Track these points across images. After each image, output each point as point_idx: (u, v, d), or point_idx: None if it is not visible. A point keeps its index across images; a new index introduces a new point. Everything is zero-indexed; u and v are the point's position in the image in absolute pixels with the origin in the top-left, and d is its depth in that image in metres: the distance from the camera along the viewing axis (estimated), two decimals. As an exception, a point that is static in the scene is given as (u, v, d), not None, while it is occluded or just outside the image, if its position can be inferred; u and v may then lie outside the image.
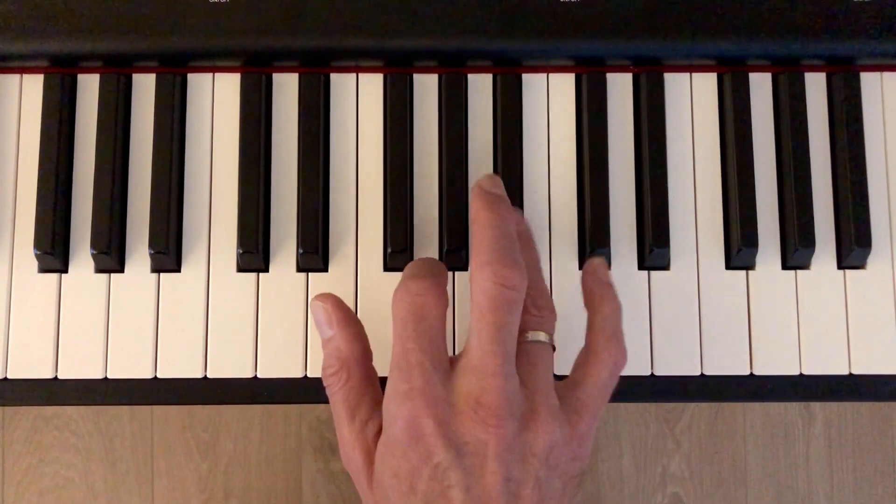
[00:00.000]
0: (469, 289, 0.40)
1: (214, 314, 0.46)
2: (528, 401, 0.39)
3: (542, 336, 0.41)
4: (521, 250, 0.41)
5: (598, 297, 0.42)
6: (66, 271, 0.46)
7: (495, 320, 0.39)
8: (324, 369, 0.42)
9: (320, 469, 0.72)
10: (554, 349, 0.42)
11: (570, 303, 0.45)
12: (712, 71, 0.48)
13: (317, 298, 0.43)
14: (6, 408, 0.70)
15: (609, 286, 0.43)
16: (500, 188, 0.43)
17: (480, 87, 0.48)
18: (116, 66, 0.47)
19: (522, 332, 0.41)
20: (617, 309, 0.42)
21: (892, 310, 0.46)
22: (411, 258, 0.46)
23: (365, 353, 0.42)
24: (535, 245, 0.44)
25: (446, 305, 0.40)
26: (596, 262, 0.44)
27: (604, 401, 0.41)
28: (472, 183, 0.47)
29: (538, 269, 0.43)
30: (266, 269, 0.46)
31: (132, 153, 0.47)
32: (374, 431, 0.41)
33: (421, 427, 0.38)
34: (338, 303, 0.43)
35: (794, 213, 0.46)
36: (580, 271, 0.46)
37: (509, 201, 0.42)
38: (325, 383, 0.42)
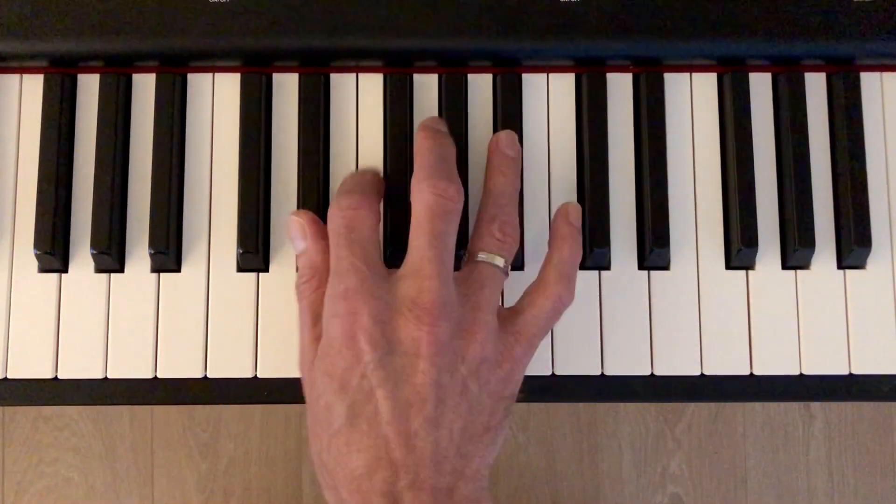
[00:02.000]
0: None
1: (214, 314, 0.46)
2: (467, 314, 0.40)
3: (497, 260, 0.42)
4: (498, 172, 0.43)
5: (562, 237, 0.44)
6: (66, 271, 0.46)
7: (431, 228, 0.40)
8: (297, 279, 0.44)
9: (320, 469, 0.72)
10: (507, 275, 0.43)
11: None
12: (712, 71, 0.48)
13: (293, 213, 0.44)
14: (6, 408, 0.70)
15: (576, 230, 0.44)
16: (442, 125, 0.45)
17: (480, 87, 0.48)
18: (116, 66, 0.47)
19: (480, 251, 0.42)
20: (576, 252, 0.44)
21: (892, 310, 0.46)
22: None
23: None
24: (516, 174, 0.45)
25: (377, 217, 0.43)
26: (571, 206, 0.45)
27: (542, 331, 0.42)
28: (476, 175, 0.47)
29: (512, 197, 0.44)
30: (266, 269, 0.46)
31: (132, 153, 0.47)
32: None
33: (357, 322, 0.39)
34: (312, 217, 0.44)
35: (794, 213, 0.46)
36: (580, 271, 0.46)
37: (450, 135, 0.44)
38: (296, 290, 0.44)
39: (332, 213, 0.42)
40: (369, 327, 0.39)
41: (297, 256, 0.44)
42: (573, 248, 0.44)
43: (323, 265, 0.43)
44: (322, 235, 0.43)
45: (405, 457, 0.38)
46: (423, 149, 0.43)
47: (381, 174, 0.46)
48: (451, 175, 0.42)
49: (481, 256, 0.42)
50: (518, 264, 0.46)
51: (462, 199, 0.42)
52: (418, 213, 0.41)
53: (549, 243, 0.44)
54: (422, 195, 0.41)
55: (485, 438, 0.40)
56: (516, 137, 0.45)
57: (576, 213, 0.45)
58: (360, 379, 0.39)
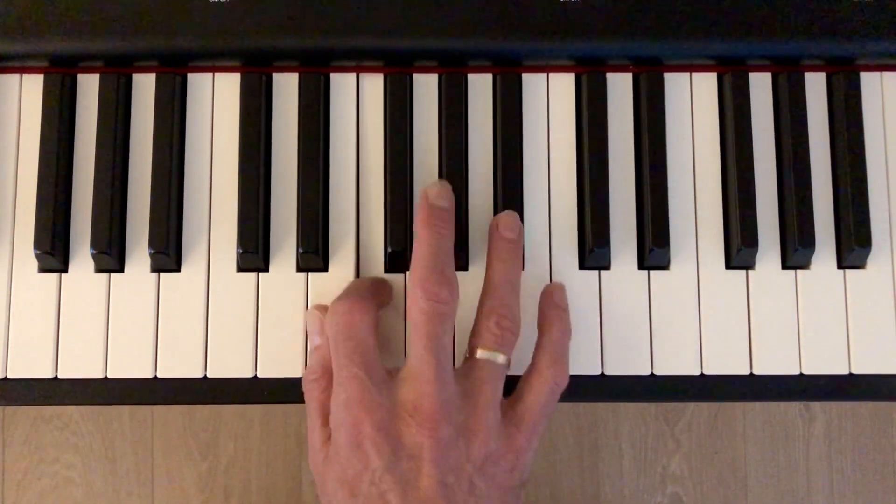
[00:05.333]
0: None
1: (214, 314, 0.46)
2: (469, 414, 0.41)
3: (497, 357, 0.42)
4: (497, 260, 0.43)
5: (550, 319, 0.44)
6: (66, 271, 0.46)
7: (427, 332, 0.41)
8: (305, 375, 0.44)
9: (320, 469, 0.72)
10: (508, 368, 0.43)
11: (571, 299, 0.45)
12: (712, 71, 0.48)
13: (315, 308, 0.45)
14: (6, 408, 0.70)
15: (562, 311, 0.44)
16: (446, 199, 0.44)
17: (480, 87, 0.48)
18: (116, 66, 0.47)
19: (479, 347, 0.42)
20: (566, 333, 0.44)
21: (892, 310, 0.46)
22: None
23: None
24: (516, 259, 0.44)
25: (374, 321, 0.43)
26: (554, 286, 0.45)
27: (543, 417, 0.43)
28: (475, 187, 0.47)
29: (512, 286, 0.44)
30: (266, 269, 0.46)
31: (132, 153, 0.47)
32: None
33: (361, 432, 0.40)
34: None
35: (794, 213, 0.46)
36: (580, 271, 0.46)
37: (453, 212, 0.44)
38: (304, 388, 0.44)
39: (329, 318, 0.43)
40: (373, 435, 0.40)
41: (311, 350, 0.44)
42: (562, 330, 0.44)
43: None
44: None
45: None
46: (420, 240, 0.43)
47: (385, 281, 0.46)
48: (445, 275, 0.42)
49: (480, 354, 0.42)
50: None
51: (457, 298, 0.42)
52: (414, 316, 0.42)
53: (539, 327, 0.45)
54: (416, 300, 0.42)
55: None
56: (517, 218, 0.45)
57: (560, 293, 0.45)
58: (369, 485, 0.40)
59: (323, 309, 0.44)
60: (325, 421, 0.43)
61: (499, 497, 0.41)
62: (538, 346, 0.44)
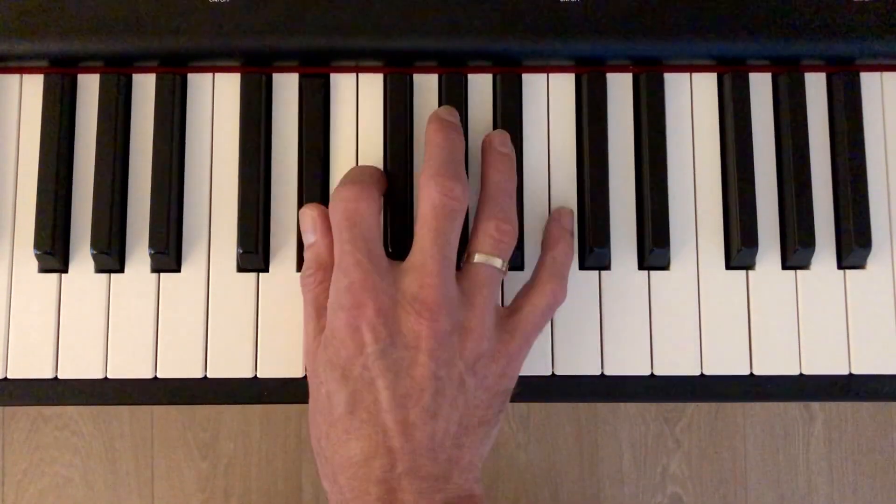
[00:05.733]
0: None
1: (214, 314, 0.46)
2: (467, 312, 0.41)
3: (495, 261, 0.43)
4: (494, 170, 0.44)
5: (555, 238, 0.45)
6: (66, 271, 0.46)
7: (436, 226, 0.41)
8: (302, 272, 0.44)
9: (320, 469, 0.72)
10: (505, 273, 0.44)
11: (566, 304, 0.45)
12: (712, 71, 0.48)
13: (306, 206, 0.45)
14: (6, 408, 0.70)
15: (568, 233, 0.45)
16: (454, 117, 0.45)
17: (480, 87, 0.48)
18: (116, 66, 0.47)
19: (478, 252, 0.43)
20: (568, 253, 0.45)
21: (892, 310, 0.46)
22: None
23: None
24: (512, 170, 0.45)
25: (379, 208, 0.43)
26: (563, 210, 0.46)
27: (537, 328, 0.44)
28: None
29: (509, 193, 0.44)
30: (266, 269, 0.46)
31: (132, 153, 0.47)
32: None
33: (361, 314, 0.40)
34: (324, 211, 0.44)
35: (794, 213, 0.46)
36: (580, 271, 0.46)
37: (461, 129, 0.45)
38: (301, 283, 0.44)
39: (334, 204, 0.43)
40: (373, 319, 0.40)
41: (306, 248, 0.45)
42: (565, 249, 0.45)
43: (329, 260, 0.43)
44: (331, 231, 0.44)
45: (402, 445, 0.39)
46: (434, 143, 0.43)
47: (383, 170, 0.46)
48: (458, 174, 0.43)
49: (479, 258, 0.43)
50: (518, 264, 0.46)
51: (467, 198, 0.43)
52: (424, 209, 0.42)
53: (543, 244, 0.46)
54: (428, 193, 0.42)
55: (479, 431, 0.41)
56: (508, 137, 0.46)
57: (568, 216, 0.46)
58: (361, 369, 0.40)
59: (315, 207, 0.44)
60: (319, 314, 0.43)
61: (486, 399, 0.41)
62: (540, 261, 0.45)
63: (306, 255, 0.44)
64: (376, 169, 0.46)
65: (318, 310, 0.43)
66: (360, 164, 0.47)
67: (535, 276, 0.45)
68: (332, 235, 0.43)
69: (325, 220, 0.44)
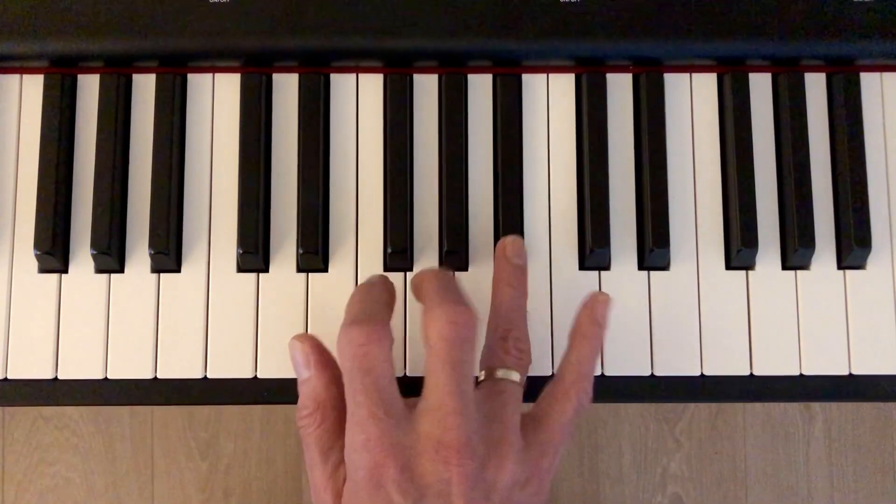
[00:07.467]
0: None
1: (214, 314, 0.46)
2: (493, 439, 0.39)
3: (515, 376, 0.41)
4: (506, 284, 0.43)
5: (583, 336, 0.43)
6: (66, 271, 0.46)
7: (450, 359, 0.39)
8: (298, 410, 0.42)
9: (320, 469, 0.72)
10: (524, 388, 0.42)
11: (566, 304, 0.45)
12: (712, 71, 0.48)
13: (295, 338, 0.43)
14: (6, 408, 0.70)
15: (599, 328, 0.43)
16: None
17: (480, 87, 0.48)
18: (116, 66, 0.47)
19: (498, 368, 0.41)
20: (596, 351, 0.43)
21: (892, 310, 0.46)
22: (411, 258, 0.46)
23: (341, 397, 0.41)
24: (524, 284, 0.44)
25: (390, 343, 0.40)
26: (598, 299, 0.44)
27: (566, 437, 0.42)
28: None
29: (522, 310, 0.43)
30: (266, 269, 0.46)
31: (132, 153, 0.47)
32: (345, 475, 0.41)
33: (383, 475, 0.38)
34: (316, 344, 0.43)
35: (794, 213, 0.46)
36: (580, 271, 0.46)
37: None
38: (298, 424, 0.42)
39: (342, 347, 0.40)
40: (397, 477, 0.38)
41: (300, 384, 0.43)
42: (594, 348, 0.43)
43: (327, 398, 0.42)
44: (327, 365, 0.42)
45: None
46: (426, 280, 0.42)
47: (388, 280, 0.44)
48: (462, 300, 0.41)
49: (500, 374, 0.41)
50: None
51: (477, 324, 0.40)
52: (434, 343, 0.39)
53: (570, 338, 0.43)
54: (437, 324, 0.39)
55: None
56: (523, 243, 0.45)
57: (602, 307, 0.43)
58: None
59: (306, 339, 0.43)
60: (326, 457, 0.41)
61: None
62: (566, 358, 0.43)
63: (301, 391, 0.42)
64: (383, 287, 0.43)
65: (323, 453, 0.41)
66: (360, 165, 0.47)
67: (560, 377, 0.43)
68: (328, 371, 0.42)
69: (319, 353, 0.42)
